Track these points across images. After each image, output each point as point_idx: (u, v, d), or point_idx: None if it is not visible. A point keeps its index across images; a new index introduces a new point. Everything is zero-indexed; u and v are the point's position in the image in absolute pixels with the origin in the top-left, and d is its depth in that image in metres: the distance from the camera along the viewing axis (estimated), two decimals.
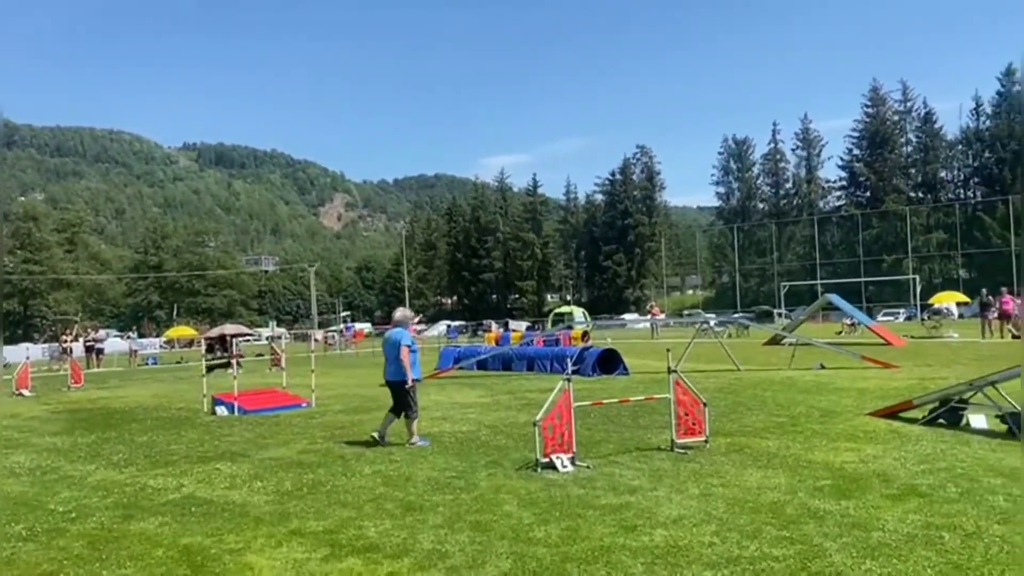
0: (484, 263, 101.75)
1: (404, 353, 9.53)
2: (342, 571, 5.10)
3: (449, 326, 72.67)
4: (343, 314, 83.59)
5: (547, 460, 7.83)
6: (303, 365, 19.21)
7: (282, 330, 68.65)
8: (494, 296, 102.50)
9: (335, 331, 55.75)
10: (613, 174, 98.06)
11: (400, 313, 10.22)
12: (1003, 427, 9.12)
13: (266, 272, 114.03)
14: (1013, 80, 73.23)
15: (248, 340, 54.16)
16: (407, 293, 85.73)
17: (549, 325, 55.71)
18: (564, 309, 69.14)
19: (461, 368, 20.97)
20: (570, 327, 38.95)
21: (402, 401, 9.71)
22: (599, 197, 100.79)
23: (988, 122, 74.44)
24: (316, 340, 42.54)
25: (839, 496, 6.44)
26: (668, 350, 9.33)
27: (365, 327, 71.57)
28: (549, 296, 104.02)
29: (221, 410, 13.97)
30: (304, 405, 14.47)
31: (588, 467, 7.86)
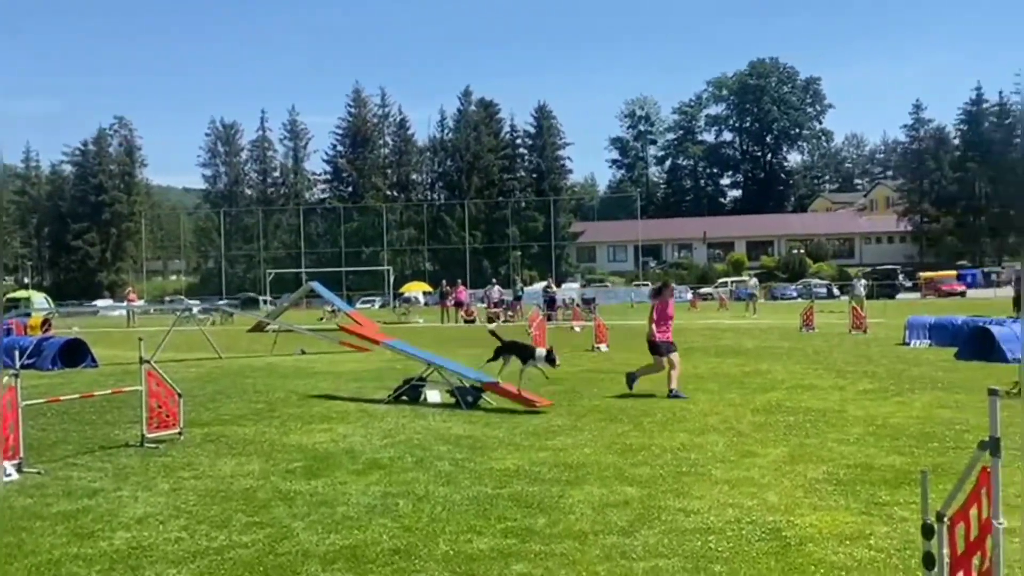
0: None
1: None
2: None
3: None
4: None
5: None
6: None
7: None
8: None
9: None
10: (86, 144, 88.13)
11: None
12: (452, 399, 10.49)
13: None
14: (470, 100, 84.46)
15: None
16: None
17: None
18: (20, 294, 60.20)
19: None
20: (28, 314, 34.01)
21: None
22: (68, 168, 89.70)
23: (451, 134, 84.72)
24: None
25: (310, 476, 6.73)
26: (140, 339, 8.72)
27: None
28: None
29: None
30: None
31: (39, 473, 6.95)
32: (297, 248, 78.62)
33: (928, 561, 3.31)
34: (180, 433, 8.44)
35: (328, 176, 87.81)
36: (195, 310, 31.49)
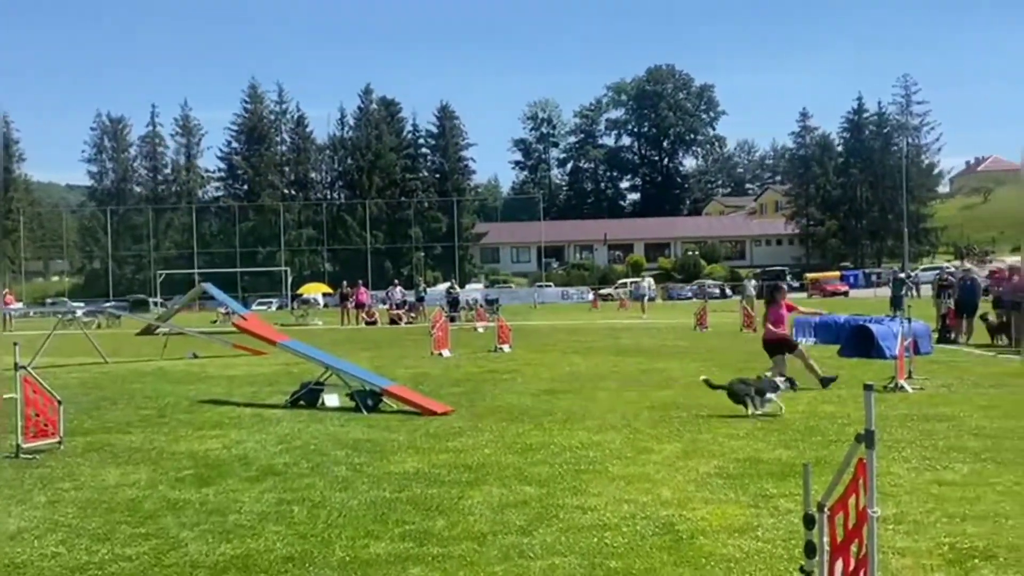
0: None
1: None
2: None
3: None
4: None
5: None
6: None
7: None
8: None
9: None
10: None
11: None
12: (351, 403, 10.31)
13: None
14: (371, 98, 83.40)
15: None
16: None
17: None
18: None
19: None
20: None
21: None
22: None
23: (351, 132, 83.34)
24: None
25: (200, 484, 6.49)
26: (16, 344, 8.22)
27: None
28: None
29: None
30: None
31: None
32: (189, 248, 75.86)
33: (810, 550, 3.45)
34: (60, 442, 8.00)
35: (222, 174, 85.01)
36: (79, 313, 29.96)
